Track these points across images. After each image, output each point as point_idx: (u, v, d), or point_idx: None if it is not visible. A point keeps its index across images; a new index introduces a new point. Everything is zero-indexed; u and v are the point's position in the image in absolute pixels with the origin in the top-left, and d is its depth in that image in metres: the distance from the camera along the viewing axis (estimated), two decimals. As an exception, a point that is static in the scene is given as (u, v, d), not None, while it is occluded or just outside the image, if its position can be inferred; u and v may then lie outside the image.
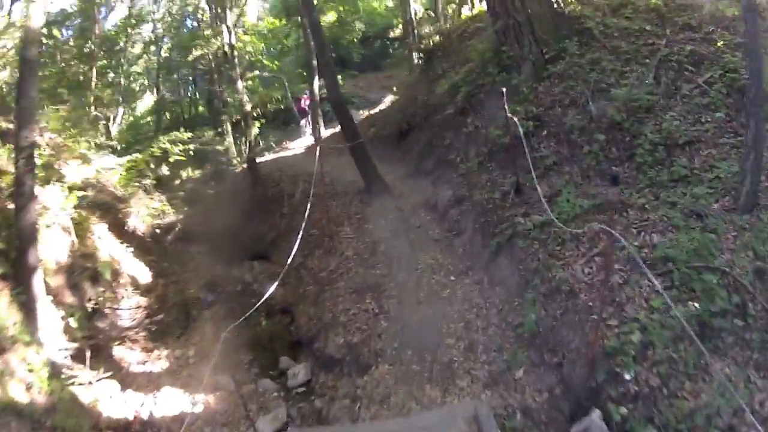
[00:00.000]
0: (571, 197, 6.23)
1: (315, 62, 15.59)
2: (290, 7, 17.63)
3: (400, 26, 21.83)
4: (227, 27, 14.37)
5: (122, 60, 18.79)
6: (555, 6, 8.73)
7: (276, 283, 5.39)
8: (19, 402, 5.00)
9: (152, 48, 20.74)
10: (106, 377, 6.53)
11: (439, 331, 6.12)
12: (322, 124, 16.68)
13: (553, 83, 7.78)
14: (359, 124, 12.44)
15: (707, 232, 5.07)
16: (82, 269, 7.73)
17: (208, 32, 16.25)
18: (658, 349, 4.41)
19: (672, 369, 4.31)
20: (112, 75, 18.59)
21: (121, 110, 19.31)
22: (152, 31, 20.38)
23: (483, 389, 5.25)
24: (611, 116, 6.71)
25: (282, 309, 8.39)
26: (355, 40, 22.22)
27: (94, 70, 15.88)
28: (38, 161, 7.42)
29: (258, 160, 13.86)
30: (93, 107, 15.29)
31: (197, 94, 23.23)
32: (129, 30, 18.46)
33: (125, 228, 9.66)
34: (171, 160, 11.73)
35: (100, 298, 7.71)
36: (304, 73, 18.58)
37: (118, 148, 14.19)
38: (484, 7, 11.37)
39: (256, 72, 18.34)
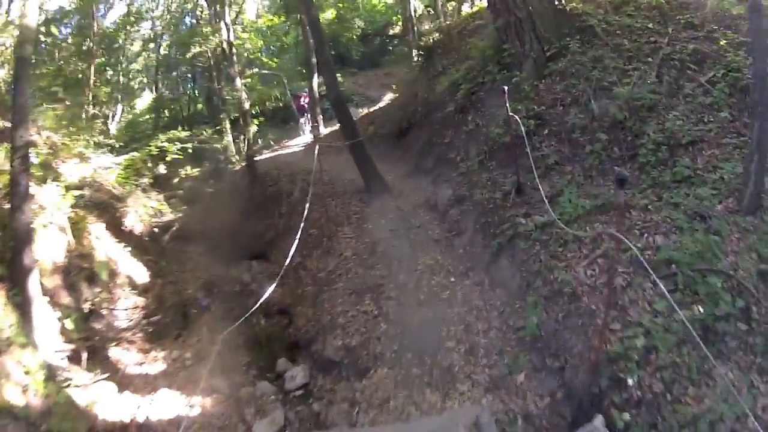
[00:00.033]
0: (573, 197, 6.15)
1: (314, 60, 15.53)
2: (289, 4, 17.52)
3: (400, 23, 21.79)
4: (226, 24, 14.29)
5: (121, 58, 18.71)
6: (556, 3, 8.67)
7: (274, 285, 5.31)
8: (15, 405, 4.92)
9: (151, 45, 20.65)
10: (103, 379, 6.45)
11: (439, 333, 6.04)
12: (321, 122, 16.62)
13: (555, 81, 7.72)
14: (358, 122, 12.38)
15: (711, 234, 4.99)
16: (79, 270, 7.62)
17: (206, 29, 16.16)
18: (661, 354, 4.34)
19: (675, 374, 4.25)
20: (110, 73, 18.50)
21: (120, 108, 19.23)
22: (151, 29, 20.28)
23: (484, 394, 5.17)
24: (613, 115, 6.63)
25: (280, 310, 8.32)
26: (355, 37, 22.17)
27: (93, 68, 15.78)
28: (35, 160, 7.36)
29: (257, 158, 13.79)
30: (91, 105, 15.21)
31: (196, 91, 23.14)
32: (128, 27, 18.37)
33: (122, 227, 9.56)
34: (168, 159, 11.63)
35: (97, 299, 7.60)
36: (303, 71, 18.51)
37: (117, 146, 14.08)
38: (484, 4, 11.31)
39: (255, 70, 18.26)
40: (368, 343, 6.45)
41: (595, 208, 5.90)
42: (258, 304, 4.95)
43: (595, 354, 4.40)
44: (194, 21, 19.66)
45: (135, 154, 11.19)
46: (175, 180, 14.38)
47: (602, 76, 7.22)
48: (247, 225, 11.44)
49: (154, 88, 21.46)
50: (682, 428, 3.99)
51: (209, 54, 16.62)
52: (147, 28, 20.37)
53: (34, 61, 13.50)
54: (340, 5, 20.96)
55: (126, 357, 7.26)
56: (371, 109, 16.64)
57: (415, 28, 17.81)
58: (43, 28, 14.62)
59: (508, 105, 6.57)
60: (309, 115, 16.90)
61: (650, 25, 7.95)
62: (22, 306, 5.92)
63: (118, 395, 6.35)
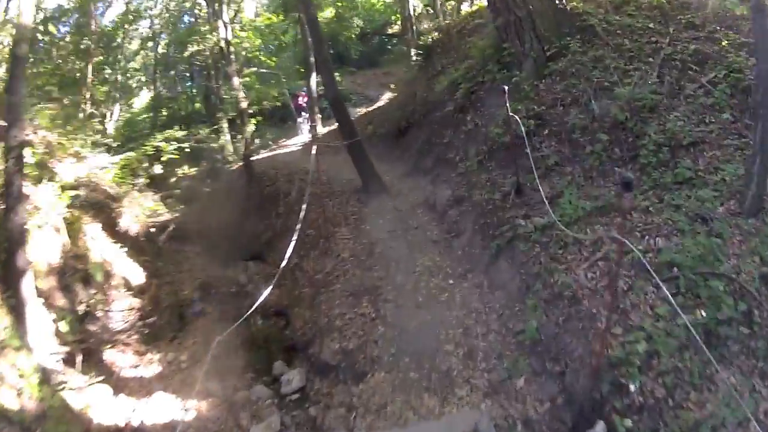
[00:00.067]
0: (573, 199, 6.09)
1: (312, 59, 15.46)
2: (288, 3, 17.45)
3: (399, 23, 21.72)
4: (224, 23, 14.20)
5: (119, 56, 18.60)
6: (557, 2, 8.61)
7: (269, 289, 5.23)
8: (9, 409, 4.84)
9: (149, 44, 20.54)
10: (98, 382, 6.36)
11: (438, 337, 5.96)
12: (319, 121, 16.55)
13: (555, 81, 7.68)
14: (357, 122, 12.30)
15: (713, 237, 4.94)
16: (74, 271, 7.52)
17: (204, 28, 16.06)
18: (663, 359, 4.29)
19: (677, 379, 4.19)
20: (108, 71, 18.40)
21: (117, 107, 19.12)
22: (150, 27, 20.18)
23: (483, 399, 5.09)
24: (614, 115, 6.58)
25: (277, 311, 8.23)
26: (353, 36, 22.08)
27: (90, 67, 15.67)
28: (31, 160, 7.27)
29: (254, 158, 13.70)
30: (88, 104, 15.10)
31: (194, 90, 23.04)
32: (126, 26, 18.26)
33: (118, 228, 9.48)
34: (164, 159, 11.54)
35: (92, 301, 7.49)
36: (302, 70, 18.44)
37: (114, 145, 14.00)
38: (484, 3, 11.25)
39: (254, 69, 18.17)
40: (365, 347, 6.36)
41: (596, 209, 5.85)
42: (253, 308, 4.87)
43: (596, 359, 4.33)
44: (193, 20, 19.53)
45: (131, 153, 11.09)
46: (173, 179, 14.31)
47: (603, 76, 7.18)
48: (244, 225, 11.35)
49: (152, 87, 21.32)
50: (684, 434, 3.92)
51: (207, 53, 16.52)
52: (145, 26, 20.23)
53: (32, 59, 13.50)
54: (339, 4, 20.90)
55: (121, 359, 7.17)
56: (370, 109, 16.58)
57: (414, 27, 17.79)
58: (41, 27, 14.57)
59: (508, 105, 6.50)
60: (307, 115, 16.82)
61: (651, 25, 7.92)
62: (16, 308, 5.83)
63: (113, 398, 6.27)
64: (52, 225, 7.43)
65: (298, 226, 6.54)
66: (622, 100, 6.63)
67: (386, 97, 17.69)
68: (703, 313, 4.39)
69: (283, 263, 5.83)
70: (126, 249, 8.91)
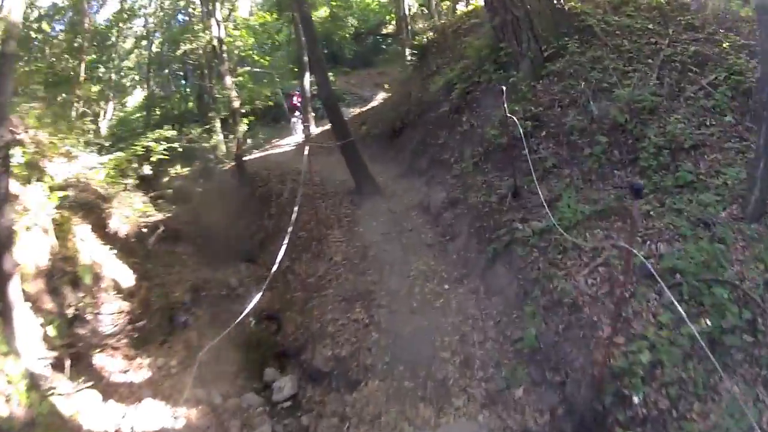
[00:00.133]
0: (572, 202, 5.94)
1: (306, 58, 15.32)
2: (282, 2, 17.31)
3: (394, 22, 21.63)
4: (216, 21, 14.02)
5: (113, 55, 18.39)
6: (554, 2, 8.50)
7: (260, 295, 5.07)
8: (-3, 415, 4.76)
9: (143, 43, 20.36)
10: (87, 387, 6.23)
11: (433, 344, 5.81)
12: (312, 121, 16.40)
13: (553, 82, 7.57)
14: (351, 122, 12.18)
15: (716, 243, 4.82)
16: (63, 273, 7.40)
17: (197, 26, 15.90)
18: (667, 369, 4.15)
19: (681, 389, 4.06)
20: (102, 70, 18.19)
21: (111, 106, 18.89)
22: (143, 26, 19.99)
23: (480, 409, 4.95)
24: (614, 117, 6.46)
25: (268, 315, 8.07)
26: (348, 36, 21.97)
27: (83, 65, 15.46)
28: (21, 159, 7.17)
29: (246, 158, 13.55)
30: (80, 103, 14.90)
31: (188, 89, 22.86)
32: (120, 24, 18.07)
33: (108, 229, 9.31)
34: (153, 159, 11.35)
35: (81, 304, 7.36)
36: (296, 69, 18.30)
37: (107, 144, 13.80)
38: (480, 2, 11.15)
39: (247, 68, 18.02)
40: (359, 354, 6.22)
41: (595, 213, 5.71)
42: (242, 315, 4.70)
43: (598, 369, 4.19)
44: (187, 18, 19.36)
45: (120, 153, 10.89)
46: (165, 179, 14.13)
47: (601, 77, 7.07)
48: (236, 226, 11.21)
49: (145, 85, 21.12)
50: (689, 446, 3.81)
51: (200, 51, 16.35)
52: (140, 25, 20.06)
53: (26, 58, 13.31)
54: (334, 3, 20.79)
55: (110, 364, 7.03)
56: (364, 109, 16.48)
57: (409, 27, 17.68)
58: (35, 25, 14.37)
59: (505, 105, 6.38)
60: (301, 115, 16.68)
61: (650, 26, 7.84)
62: (3, 312, 5.73)
63: (102, 404, 6.13)
64: (41, 226, 7.30)
65: (290, 229, 6.38)
66: (622, 102, 6.51)
67: (380, 97, 17.61)
68: (708, 322, 4.26)
69: (275, 267, 5.68)
70: (116, 251, 8.79)
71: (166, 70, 21.51)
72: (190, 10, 18.37)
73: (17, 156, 7.46)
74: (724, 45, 7.14)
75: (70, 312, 7.12)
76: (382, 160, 10.82)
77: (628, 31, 7.80)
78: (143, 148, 11.15)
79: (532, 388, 4.92)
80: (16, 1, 6.39)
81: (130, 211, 10.07)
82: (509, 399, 4.95)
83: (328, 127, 12.18)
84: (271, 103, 17.76)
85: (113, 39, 18.29)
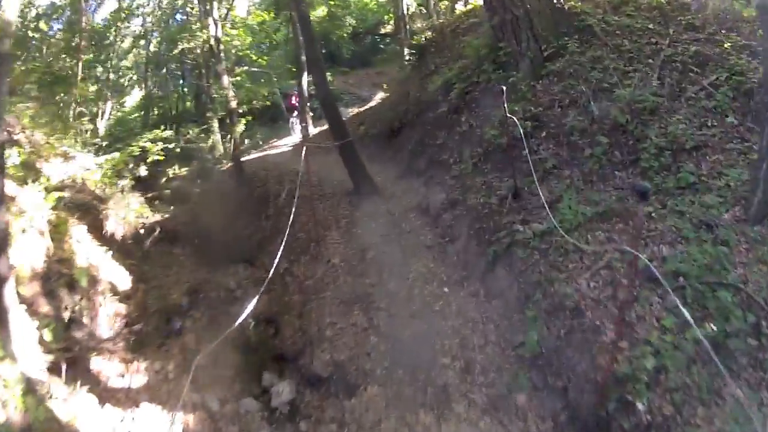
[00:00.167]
0: (572, 204, 5.89)
1: (304, 57, 15.23)
2: (280, 1, 17.22)
3: (392, 22, 21.56)
4: (214, 20, 13.93)
5: (111, 54, 18.29)
6: (554, 1, 8.42)
7: (257, 298, 4.97)
8: (-6, 421, 4.69)
9: (141, 42, 20.26)
10: (84, 391, 6.10)
11: (433, 348, 5.75)
12: (310, 121, 16.33)
13: (552, 82, 7.51)
14: (349, 122, 12.10)
15: (719, 245, 4.77)
16: (59, 276, 7.31)
17: (195, 26, 15.80)
18: (671, 374, 4.11)
19: (686, 395, 4.02)
20: (100, 69, 18.10)
21: (109, 105, 18.79)
22: (141, 25, 19.90)
23: (481, 415, 4.89)
24: (614, 118, 6.40)
25: (266, 319, 7.98)
26: (346, 35, 21.90)
27: (80, 65, 15.36)
28: (17, 160, 7.13)
29: (244, 158, 13.46)
30: (78, 103, 14.81)
31: (186, 89, 22.77)
32: (118, 24, 17.97)
33: (104, 230, 9.24)
34: (149, 160, 11.27)
35: (77, 307, 7.27)
36: (293, 69, 18.22)
37: (104, 145, 13.71)
38: (479, 2, 11.09)
39: (245, 67, 17.93)
40: (358, 358, 6.14)
41: (596, 215, 5.66)
42: (238, 322, 4.61)
43: (602, 375, 4.13)
44: (185, 17, 19.26)
45: (116, 154, 10.81)
46: (163, 180, 14.05)
47: (602, 77, 7.02)
48: (234, 227, 11.10)
49: (143, 85, 21.01)
50: (693, 453, 3.76)
51: (198, 51, 16.26)
52: (137, 24, 19.96)
53: (23, 57, 13.21)
54: (332, 2, 20.69)
55: (107, 368, 6.92)
56: (362, 109, 16.39)
57: (407, 27, 17.61)
58: (32, 24, 14.28)
59: (505, 105, 6.31)
60: (299, 115, 16.60)
61: (651, 26, 7.79)
62: (-2, 316, 5.63)
63: (99, 409, 6.02)
64: (37, 228, 7.20)
65: (287, 231, 6.30)
66: (622, 102, 6.46)
67: (379, 97, 17.51)
68: (713, 326, 4.20)
69: (272, 269, 5.60)
70: (112, 252, 8.71)
71: (164, 70, 21.42)
72: (188, 9, 18.26)
73: (13, 156, 7.40)
74: (726, 45, 7.09)
75: (66, 315, 7.01)
76: (381, 161, 10.74)
77: (629, 30, 7.74)
78: (140, 149, 11.05)
79: (535, 393, 4.86)
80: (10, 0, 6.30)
81: (126, 213, 9.99)
82: (511, 405, 4.89)
83: (326, 127, 12.14)
84: (268, 103, 17.70)
85: (111, 38, 18.16)
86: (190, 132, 15.39)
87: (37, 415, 5.15)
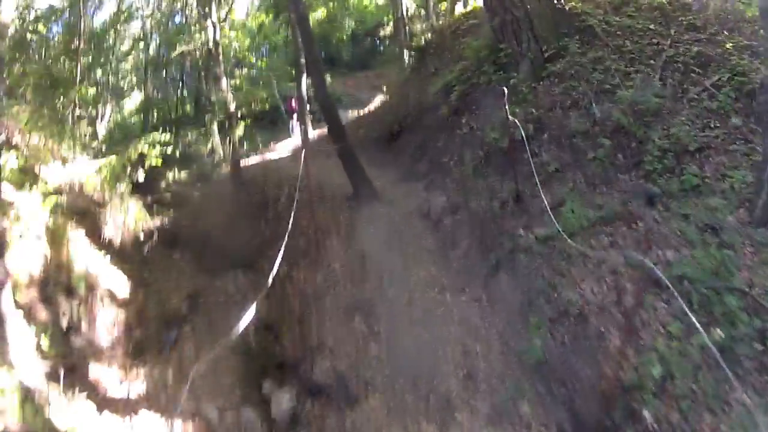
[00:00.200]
0: (575, 207, 5.82)
1: (303, 60, 15.18)
2: (280, 2, 17.16)
3: (391, 24, 21.50)
4: (212, 22, 13.87)
5: (111, 57, 18.26)
6: (555, 2, 8.36)
7: (255, 304, 4.90)
8: (-9, 430, 4.66)
9: (141, 44, 20.24)
10: (82, 399, 6.08)
11: (435, 356, 5.68)
12: (309, 123, 16.26)
13: (553, 83, 7.46)
14: (348, 125, 12.03)
15: (724, 248, 4.69)
16: (57, 282, 7.30)
17: (193, 28, 15.77)
18: (678, 381, 4.04)
19: (692, 401, 3.95)
20: (99, 72, 18.07)
21: (108, 109, 18.75)
22: (141, 28, 19.87)
23: (485, 424, 4.84)
24: (617, 120, 6.33)
25: (266, 325, 7.90)
26: (345, 37, 21.85)
27: (79, 67, 15.31)
28: (14, 164, 7.14)
29: (243, 161, 13.39)
30: (77, 106, 14.75)
31: (185, 92, 22.77)
32: (118, 26, 17.95)
33: (103, 235, 9.17)
34: (148, 163, 11.19)
35: (75, 313, 7.26)
36: (293, 71, 18.19)
37: (102, 149, 13.66)
38: (478, 3, 11.04)
39: (244, 70, 17.90)
40: (358, 366, 6.08)
41: (600, 219, 5.58)
42: (237, 331, 4.54)
43: (607, 382, 4.06)
44: (184, 20, 19.25)
45: (113, 157, 10.74)
46: (162, 184, 13.99)
47: (603, 79, 6.97)
48: (233, 231, 11.01)
49: (142, 88, 20.99)
50: (700, 461, 3.69)
51: (197, 54, 16.21)
52: (137, 27, 19.96)
53: (22, 60, 13.15)
54: (330, 4, 20.63)
55: (106, 375, 6.89)
56: (361, 111, 16.32)
57: (407, 29, 17.54)
58: (31, 27, 14.25)
59: (507, 107, 6.26)
60: (298, 118, 16.54)
61: (652, 27, 7.71)
62: (-5, 323, 5.59)
63: (97, 416, 5.99)
64: (34, 233, 7.18)
65: (287, 236, 6.23)
66: (624, 104, 6.39)
67: (378, 99, 17.45)
68: (720, 332, 4.12)
69: (271, 276, 5.52)
70: (111, 257, 8.67)
71: (164, 72, 21.41)
72: (187, 12, 18.23)
73: (11, 160, 7.35)
74: (727, 46, 7.01)
75: (64, 321, 7.00)
76: (381, 164, 10.65)
77: (629, 31, 7.68)
78: (138, 154, 10.99)
79: (538, 402, 4.80)
80: (6, 1, 6.27)
81: (125, 217, 9.93)
82: (514, 413, 4.83)
83: (325, 128, 12.07)
84: (267, 107, 17.65)
85: (110, 41, 18.12)
86: (190, 135, 15.30)
87: (35, 424, 5.13)
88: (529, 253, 5.78)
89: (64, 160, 9.25)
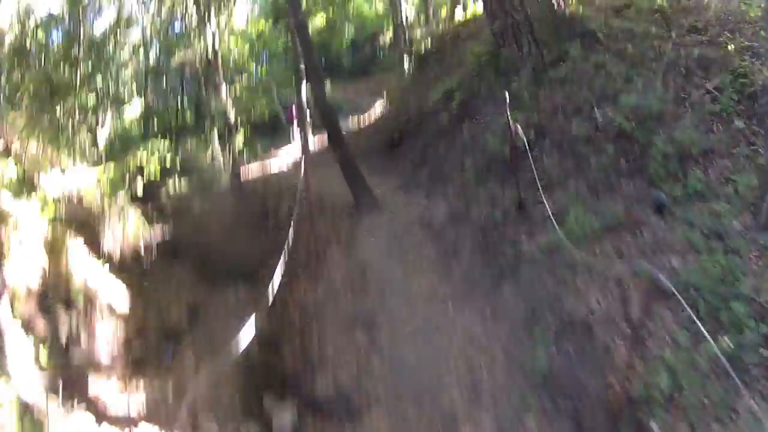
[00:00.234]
0: (579, 215, 5.72)
1: (303, 67, 15.19)
2: (280, 9, 17.20)
3: (391, 30, 21.51)
4: (211, 30, 13.89)
5: (111, 64, 18.28)
6: (555, 6, 8.30)
7: (254, 313, 4.86)
8: (-12, 445, 4.62)
9: (141, 51, 20.28)
10: (81, 412, 6.08)
11: (438, 369, 5.58)
12: (309, 130, 16.24)
13: (555, 88, 7.39)
14: (348, 132, 12.01)
15: (730, 254, 4.60)
16: (55, 293, 7.27)
17: (192, 35, 15.79)
18: (686, 392, 3.94)
19: (700, 412, 3.86)
20: (99, 79, 18.09)
21: (109, 116, 18.78)
22: (140, 35, 19.91)
23: (490, 441, 4.73)
24: (619, 124, 6.24)
25: (266, 338, 7.82)
26: (345, 44, 21.86)
27: (79, 75, 15.33)
28: (13, 172, 7.10)
29: (244, 170, 13.36)
30: (77, 113, 14.76)
31: (186, 101, 22.78)
32: (118, 33, 17.98)
33: (102, 246, 9.13)
34: (146, 173, 11.18)
35: (74, 325, 7.27)
36: (293, 78, 18.20)
37: (102, 157, 13.64)
38: (478, 9, 11.03)
39: (244, 77, 17.90)
40: (360, 380, 5.98)
41: (604, 227, 5.49)
42: (235, 342, 4.48)
43: (614, 395, 3.97)
44: (184, 28, 19.31)
45: (112, 166, 10.71)
46: (161, 193, 13.96)
47: (605, 83, 6.88)
48: (234, 242, 10.97)
49: (143, 96, 21.02)
50: (709, 472, 3.61)
51: (197, 61, 16.21)
52: (137, 35, 19.96)
53: (21, 67, 13.17)
54: (330, 11, 20.65)
55: (105, 387, 6.89)
56: (362, 118, 16.30)
57: (407, 35, 17.53)
58: (30, 34, 14.27)
59: (509, 114, 6.17)
60: (298, 126, 16.54)
61: (653, 30, 7.60)
62: (-7, 335, 5.58)
63: (96, 429, 5.97)
64: (33, 243, 7.11)
65: (286, 248, 6.17)
66: (627, 108, 6.31)
67: (378, 106, 17.42)
68: (728, 341, 4.03)
69: (272, 289, 5.47)
70: (110, 268, 8.60)
71: (164, 79, 21.44)
72: (186, 20, 18.26)
73: (9, 168, 7.31)
74: (729, 47, 6.93)
75: (63, 333, 7.03)
76: (381, 171, 10.62)
77: (631, 35, 7.58)
78: (137, 165, 10.96)
79: (544, 415, 4.68)
80: (3, 8, 6.27)
81: (124, 227, 9.88)
82: (520, 428, 4.72)
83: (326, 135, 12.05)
84: (266, 115, 17.63)
85: (110, 48, 18.15)
86: (189, 144, 15.27)
87: (33, 438, 5.06)
88: (533, 262, 5.70)
89: (63, 168, 9.19)
